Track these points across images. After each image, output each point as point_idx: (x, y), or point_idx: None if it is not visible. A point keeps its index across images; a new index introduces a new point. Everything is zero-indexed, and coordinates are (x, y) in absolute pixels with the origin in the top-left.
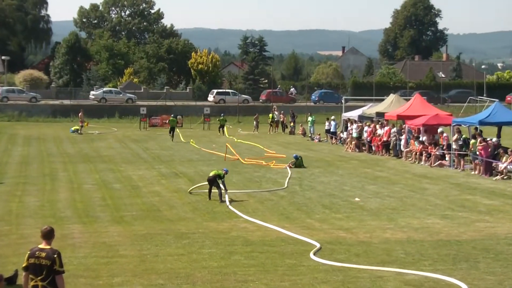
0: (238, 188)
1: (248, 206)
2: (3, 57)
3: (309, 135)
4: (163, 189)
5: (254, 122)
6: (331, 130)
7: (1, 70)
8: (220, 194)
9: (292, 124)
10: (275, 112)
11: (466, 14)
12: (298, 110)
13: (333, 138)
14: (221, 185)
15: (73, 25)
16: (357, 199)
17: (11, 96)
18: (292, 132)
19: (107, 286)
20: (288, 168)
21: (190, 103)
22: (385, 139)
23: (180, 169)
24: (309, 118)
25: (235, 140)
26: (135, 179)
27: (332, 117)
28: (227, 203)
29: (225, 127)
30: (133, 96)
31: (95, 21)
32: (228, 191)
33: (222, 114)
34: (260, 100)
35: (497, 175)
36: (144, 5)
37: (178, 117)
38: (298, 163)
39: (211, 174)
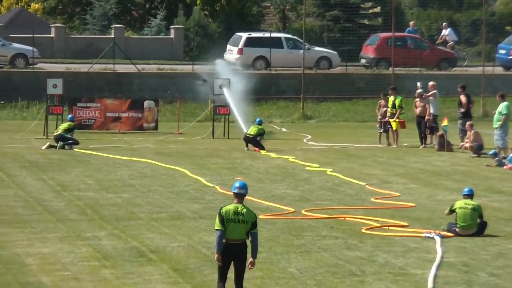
0: None
1: None
2: None
3: (495, 151)
4: None
5: (379, 120)
6: None
7: None
8: None
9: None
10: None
11: None
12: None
13: None
14: None
15: None
16: None
17: None
18: (449, 146)
19: None
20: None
21: (178, 67)
22: None
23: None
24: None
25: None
26: None
27: None
28: None
29: (261, 140)
30: (30, 50)
31: None
32: None
33: (257, 120)
34: (363, 61)
35: None
36: None
37: (149, 105)
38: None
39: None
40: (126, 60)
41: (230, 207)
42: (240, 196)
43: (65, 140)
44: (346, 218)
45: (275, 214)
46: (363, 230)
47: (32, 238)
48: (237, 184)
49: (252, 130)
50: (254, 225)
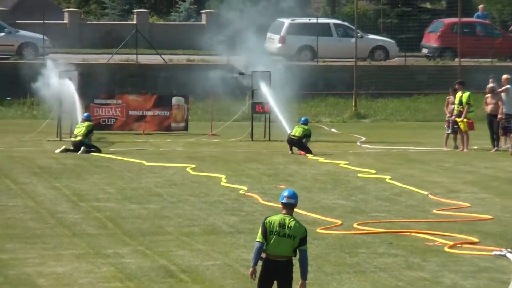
0: None
1: None
2: None
3: None
4: None
5: (447, 119)
6: None
7: None
8: None
9: None
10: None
11: None
12: None
13: None
14: None
15: None
16: None
17: None
18: None
19: None
20: None
21: (211, 58)
22: None
23: None
24: None
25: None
26: None
27: None
28: None
29: (307, 142)
30: (40, 38)
31: None
32: None
33: (303, 119)
34: (425, 51)
35: None
36: None
37: (177, 102)
38: None
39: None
40: (150, 50)
41: (276, 217)
42: (289, 207)
43: (87, 147)
44: (412, 234)
45: (324, 227)
46: (446, 249)
47: (45, 256)
48: (285, 193)
49: (297, 131)
50: (303, 241)
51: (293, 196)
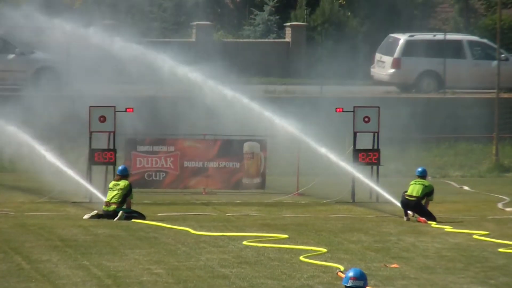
0: None
1: None
2: None
3: None
4: None
5: None
6: None
7: None
8: None
9: None
10: None
11: None
12: None
13: None
14: None
15: None
16: None
17: None
18: None
19: None
20: None
21: (297, 87)
22: None
23: None
24: None
25: None
26: None
27: None
28: None
29: (428, 203)
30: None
31: None
32: None
33: (419, 170)
34: None
35: None
36: None
37: (251, 150)
38: None
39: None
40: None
41: None
42: None
43: (127, 213)
44: None
45: None
46: None
47: None
48: (351, 273)
49: (415, 189)
50: None
51: (361, 276)
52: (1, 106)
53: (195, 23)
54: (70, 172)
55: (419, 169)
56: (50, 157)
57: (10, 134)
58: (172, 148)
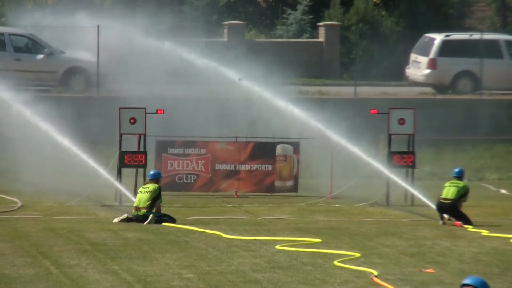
0: None
1: None
2: None
3: None
4: None
5: None
6: None
7: None
8: None
9: None
10: None
11: None
12: None
13: None
14: None
15: None
16: None
17: None
18: None
19: None
20: None
21: (332, 89)
22: None
23: None
24: None
25: None
26: None
27: None
28: None
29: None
30: (91, 61)
31: None
32: None
33: (456, 171)
34: None
35: None
36: None
37: (284, 152)
38: None
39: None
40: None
41: None
42: None
43: (157, 217)
44: None
45: None
46: None
47: None
48: (467, 281)
49: (449, 192)
50: None
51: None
52: (32, 107)
53: (227, 22)
54: (104, 172)
55: (456, 170)
56: (81, 158)
57: (43, 134)
58: (203, 151)
